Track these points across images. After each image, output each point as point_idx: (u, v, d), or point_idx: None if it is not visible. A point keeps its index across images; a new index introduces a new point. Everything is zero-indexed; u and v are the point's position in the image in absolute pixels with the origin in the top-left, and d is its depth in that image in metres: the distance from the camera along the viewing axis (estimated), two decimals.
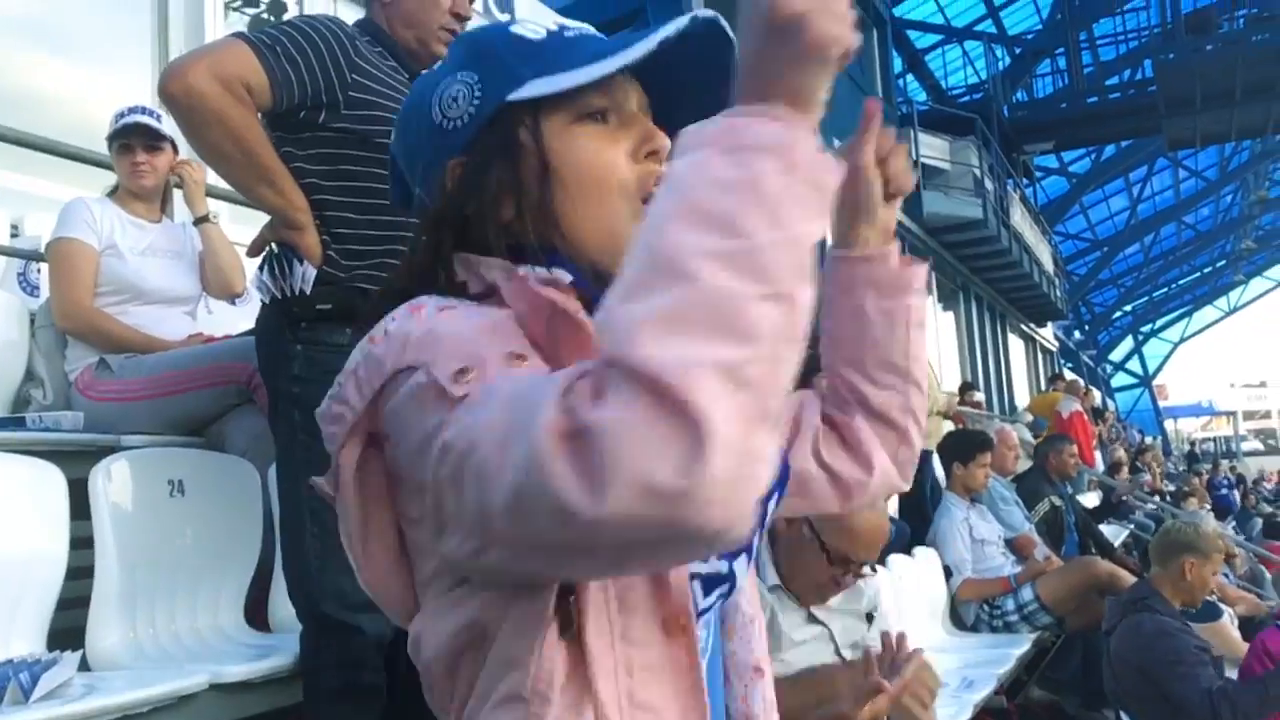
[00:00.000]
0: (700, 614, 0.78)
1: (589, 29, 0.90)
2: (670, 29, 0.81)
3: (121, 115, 3.02)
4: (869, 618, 2.48)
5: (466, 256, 0.82)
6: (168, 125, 3.02)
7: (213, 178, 3.80)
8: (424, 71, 0.97)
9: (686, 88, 0.87)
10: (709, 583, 0.79)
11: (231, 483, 2.46)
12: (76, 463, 2.30)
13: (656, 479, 0.52)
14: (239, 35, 1.94)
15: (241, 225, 4.57)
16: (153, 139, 3.01)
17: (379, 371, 0.73)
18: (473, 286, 0.81)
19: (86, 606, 2.11)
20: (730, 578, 0.82)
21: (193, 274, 3.07)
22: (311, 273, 1.91)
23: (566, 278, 0.75)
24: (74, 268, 2.81)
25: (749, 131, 0.61)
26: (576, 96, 0.83)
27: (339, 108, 1.95)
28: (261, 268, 2.01)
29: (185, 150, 3.19)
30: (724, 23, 0.83)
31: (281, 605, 2.47)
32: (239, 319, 3.28)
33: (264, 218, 2.03)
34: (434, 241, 0.84)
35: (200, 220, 3.09)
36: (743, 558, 0.84)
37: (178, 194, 3.19)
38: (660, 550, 0.58)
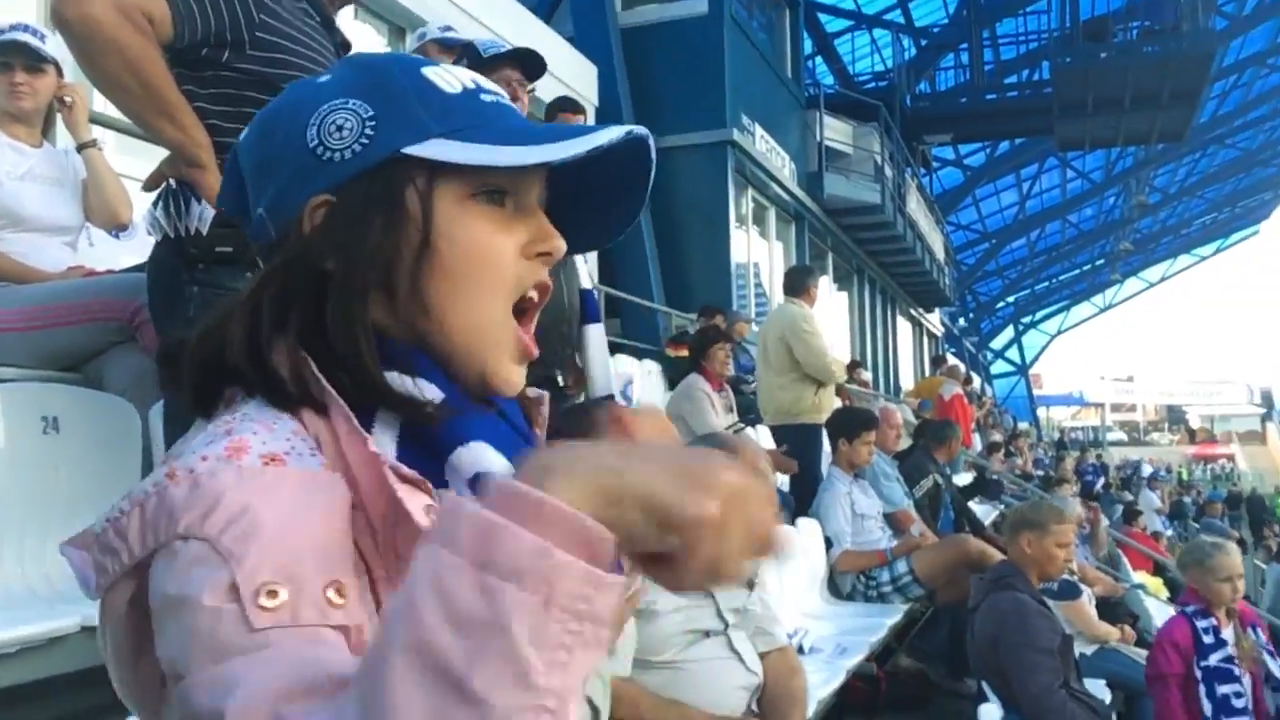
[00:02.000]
0: None
1: (504, 96, 0.80)
2: (604, 138, 0.72)
3: (1, 32, 2.85)
4: (749, 584, 2.54)
5: (308, 366, 0.70)
6: (52, 46, 2.88)
7: (101, 105, 3.64)
8: (303, 78, 0.86)
9: (586, 181, 0.80)
10: None
11: (109, 422, 2.37)
12: None
13: None
14: None
15: (129, 156, 4.38)
16: (34, 59, 2.86)
17: (169, 525, 0.61)
18: (313, 391, 0.70)
19: None
20: None
21: (74, 202, 2.93)
22: (210, 213, 1.85)
23: (418, 478, 0.67)
24: None
25: (505, 545, 0.48)
26: (480, 171, 0.73)
27: (244, 48, 1.88)
28: (156, 203, 1.93)
29: (72, 74, 3.05)
30: (651, 141, 0.78)
31: None
32: (121, 253, 3.16)
33: (154, 149, 1.95)
34: (278, 297, 0.72)
35: (84, 146, 2.95)
36: None
37: (60, 120, 3.03)
38: None
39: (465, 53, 2.96)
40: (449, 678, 0.46)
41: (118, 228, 3.01)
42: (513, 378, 0.77)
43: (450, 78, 0.78)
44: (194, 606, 0.58)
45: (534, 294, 0.77)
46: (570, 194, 0.80)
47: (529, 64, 2.96)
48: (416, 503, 0.65)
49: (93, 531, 0.66)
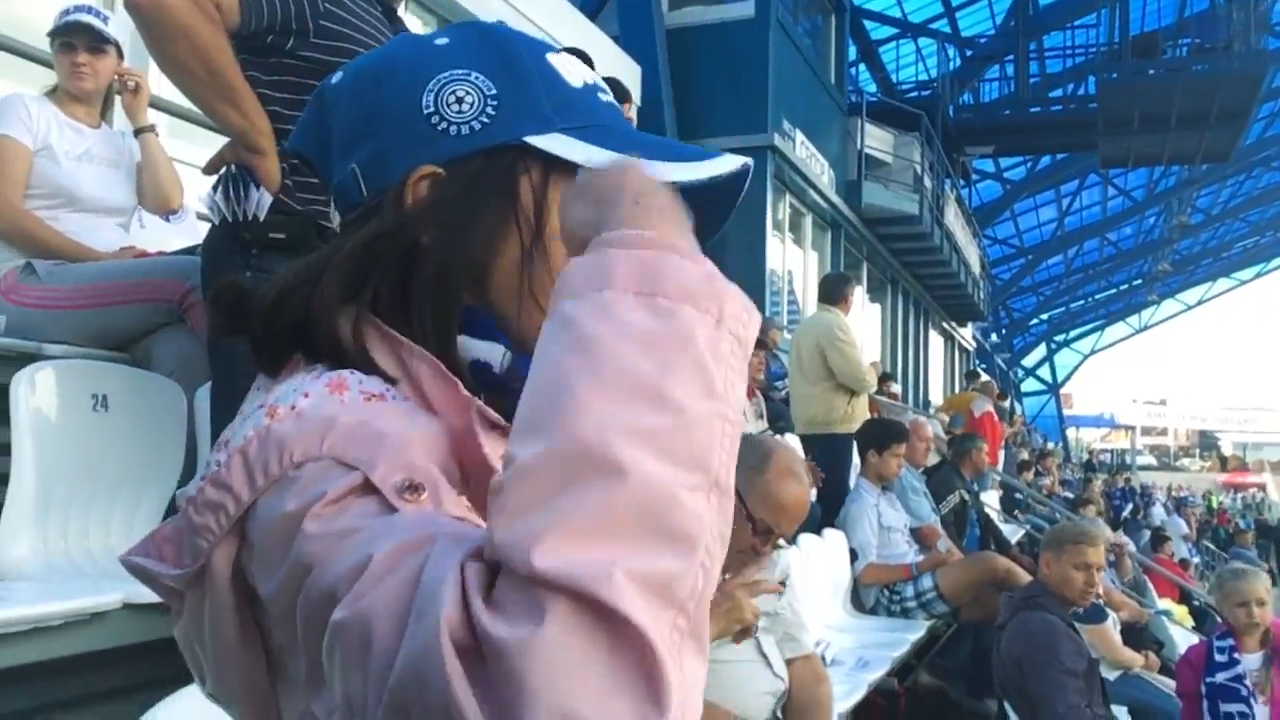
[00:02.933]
0: None
1: (614, 99, 0.79)
2: (723, 167, 0.71)
3: (66, 12, 2.90)
4: (781, 584, 2.54)
5: (390, 335, 0.68)
6: (113, 27, 2.92)
7: (156, 89, 3.69)
8: (416, 35, 0.82)
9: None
10: None
11: (157, 402, 2.41)
12: None
13: (583, 712, 0.42)
14: None
15: (179, 140, 4.44)
16: (96, 40, 2.90)
17: (281, 456, 0.58)
18: (383, 364, 0.67)
19: None
20: None
21: (129, 184, 2.98)
22: (267, 199, 1.87)
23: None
24: (5, 166, 2.70)
25: (669, 273, 0.51)
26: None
27: (308, 35, 1.91)
28: (215, 187, 1.96)
29: (131, 57, 3.09)
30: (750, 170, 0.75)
31: None
32: (171, 236, 3.20)
33: (206, 134, 1.98)
34: (363, 267, 0.69)
35: (141, 130, 3.00)
36: None
37: (119, 102, 3.08)
38: None
39: None
40: (645, 390, 0.47)
41: (169, 212, 3.06)
42: None
43: (573, 70, 0.76)
44: (322, 505, 0.55)
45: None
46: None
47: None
48: (495, 446, 0.62)
49: (181, 500, 0.63)
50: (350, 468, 0.56)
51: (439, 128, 0.71)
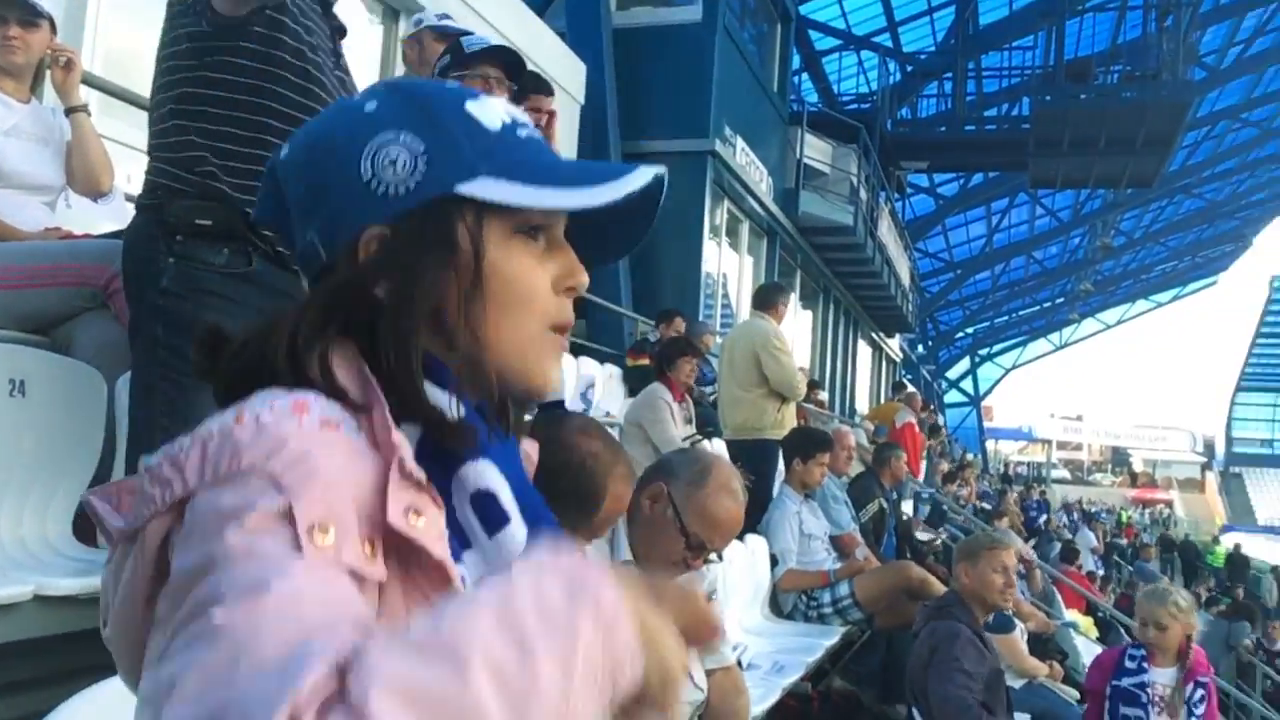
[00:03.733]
0: None
1: (533, 129, 0.85)
2: (636, 183, 0.78)
3: None
4: (708, 598, 2.58)
5: (359, 362, 0.75)
6: (47, 1, 2.86)
7: (89, 66, 3.60)
8: (346, 99, 0.90)
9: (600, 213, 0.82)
10: None
11: (75, 389, 2.35)
12: None
13: None
14: None
15: (112, 119, 4.34)
16: (28, 13, 2.84)
17: (231, 460, 0.65)
18: (350, 391, 0.73)
19: None
20: None
21: (57, 162, 2.91)
22: None
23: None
24: None
25: (594, 586, 0.58)
26: (520, 209, 0.78)
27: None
28: None
29: (64, 33, 3.02)
30: (665, 179, 0.83)
31: None
32: (99, 218, 3.13)
33: (139, 114, 1.95)
34: (323, 314, 0.76)
35: (73, 110, 2.93)
36: None
37: (49, 78, 3.01)
38: None
39: (451, 49, 2.94)
40: (521, 643, 0.54)
41: (98, 194, 2.99)
42: (554, 379, 0.83)
43: (490, 113, 0.82)
44: (247, 517, 0.61)
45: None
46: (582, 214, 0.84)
47: (511, 63, 2.96)
48: (401, 498, 0.68)
49: (143, 466, 0.69)
50: (280, 492, 0.63)
51: (379, 192, 0.78)
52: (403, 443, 0.70)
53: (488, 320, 0.78)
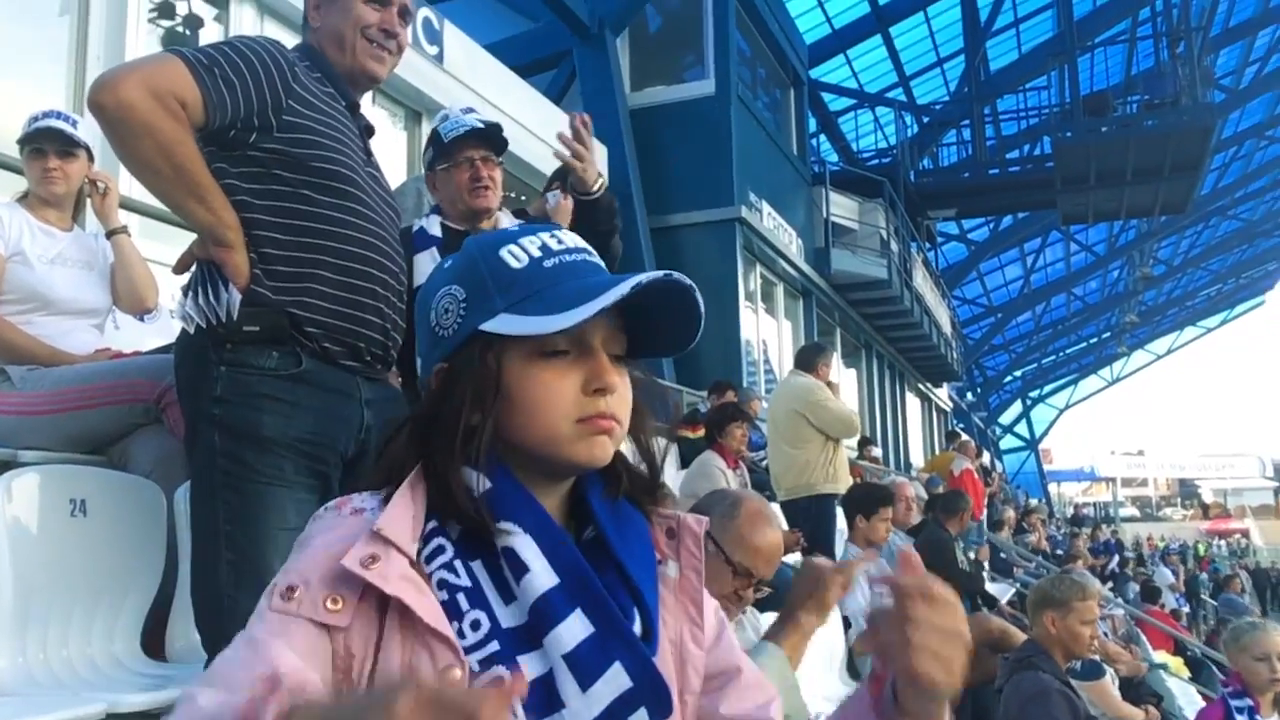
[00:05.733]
0: None
1: (575, 247, 0.97)
2: (609, 298, 0.88)
3: (35, 119, 2.92)
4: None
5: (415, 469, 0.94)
6: (82, 131, 2.95)
7: (127, 189, 3.70)
8: (441, 261, 1.05)
9: (658, 301, 0.94)
10: None
11: (135, 505, 2.37)
12: None
13: None
14: (174, 51, 1.90)
15: (152, 240, 4.45)
16: (66, 145, 2.92)
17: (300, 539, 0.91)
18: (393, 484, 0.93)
19: None
20: None
21: (103, 286, 2.97)
22: (238, 298, 1.87)
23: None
24: None
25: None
26: (541, 336, 0.91)
27: (271, 131, 1.92)
28: (186, 292, 1.96)
29: (101, 160, 3.11)
30: (691, 285, 0.94)
31: (179, 634, 2.38)
32: (147, 335, 3.19)
33: (178, 233, 1.97)
34: (411, 434, 0.95)
35: (113, 233, 3.00)
36: None
37: (89, 204, 3.09)
38: None
39: (432, 140, 2.93)
40: None
41: (144, 312, 3.04)
42: (591, 452, 0.94)
43: (521, 251, 0.96)
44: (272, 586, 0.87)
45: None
46: (651, 307, 0.95)
47: (492, 139, 2.87)
48: (363, 550, 0.84)
49: None
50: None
51: (439, 334, 0.97)
52: (391, 510, 0.88)
53: (517, 426, 0.93)
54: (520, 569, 0.88)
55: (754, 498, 2.49)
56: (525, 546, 0.90)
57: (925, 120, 20.73)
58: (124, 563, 2.30)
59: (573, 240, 0.98)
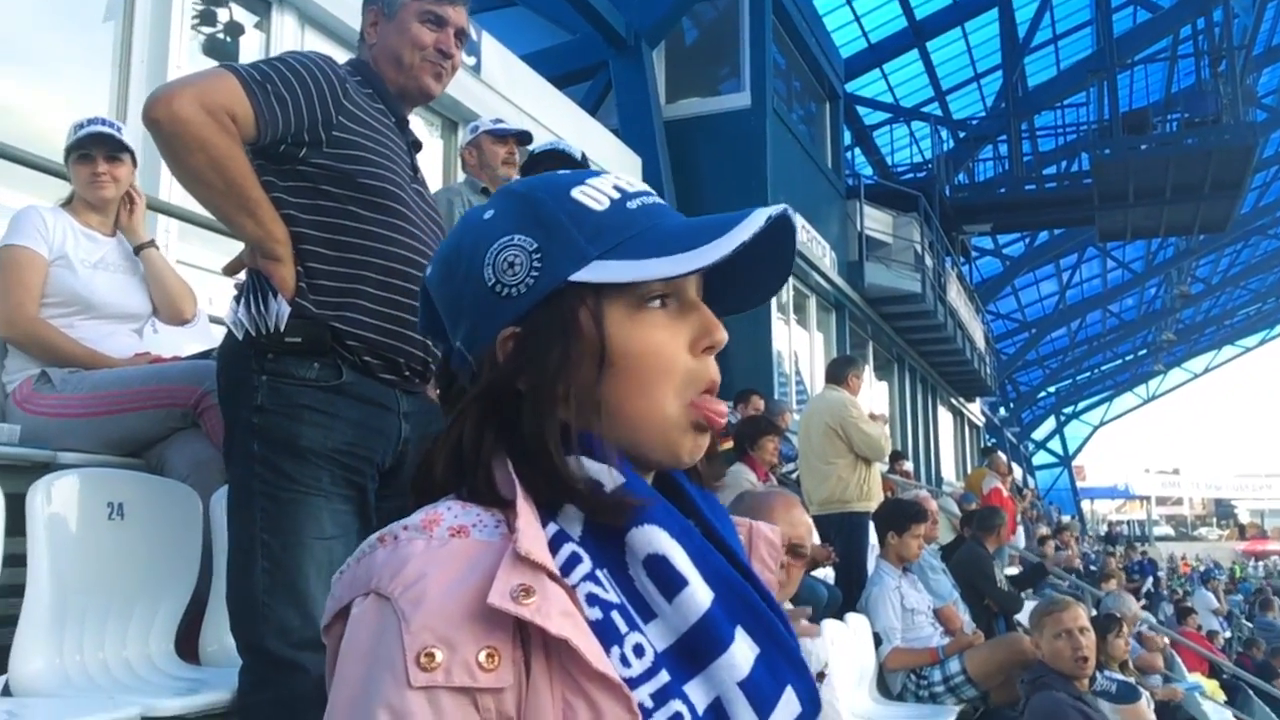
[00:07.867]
0: None
1: (646, 190, 0.85)
2: (748, 232, 0.76)
3: (81, 125, 2.95)
4: (820, 676, 2.50)
5: (505, 467, 0.78)
6: (128, 136, 2.98)
7: (166, 195, 3.74)
8: (471, 210, 0.90)
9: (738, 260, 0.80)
10: None
11: (172, 509, 2.38)
12: (8, 477, 2.22)
13: None
14: (227, 66, 1.92)
15: (191, 244, 4.50)
16: (113, 149, 2.95)
17: (366, 579, 0.72)
18: (502, 491, 0.77)
19: (11, 626, 2.02)
20: None
21: (144, 291, 2.99)
22: (286, 310, 1.88)
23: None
24: (21, 276, 2.72)
25: None
26: (640, 283, 0.79)
27: (321, 146, 1.94)
28: (236, 299, 1.98)
29: (142, 162, 3.14)
30: (791, 214, 0.81)
31: (213, 638, 2.40)
32: (186, 340, 3.22)
33: (216, 238, 1.99)
34: (478, 423, 0.80)
35: (141, 248, 3.01)
36: None
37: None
38: None
39: (524, 168, 3.58)
40: None
41: (183, 323, 3.06)
42: (693, 449, 0.82)
43: (597, 193, 0.83)
44: (365, 652, 0.69)
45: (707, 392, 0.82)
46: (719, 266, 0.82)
47: (565, 153, 3.71)
48: (510, 579, 0.69)
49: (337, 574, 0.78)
50: (396, 618, 0.68)
51: (503, 294, 0.80)
52: (526, 528, 0.72)
53: (619, 395, 0.79)
54: (675, 582, 0.75)
55: (778, 490, 2.77)
56: (677, 554, 0.76)
57: (961, 135, 20.58)
58: (160, 566, 2.31)
59: (640, 181, 0.87)
